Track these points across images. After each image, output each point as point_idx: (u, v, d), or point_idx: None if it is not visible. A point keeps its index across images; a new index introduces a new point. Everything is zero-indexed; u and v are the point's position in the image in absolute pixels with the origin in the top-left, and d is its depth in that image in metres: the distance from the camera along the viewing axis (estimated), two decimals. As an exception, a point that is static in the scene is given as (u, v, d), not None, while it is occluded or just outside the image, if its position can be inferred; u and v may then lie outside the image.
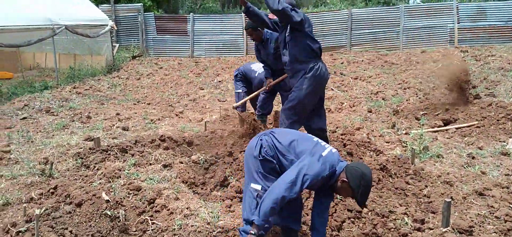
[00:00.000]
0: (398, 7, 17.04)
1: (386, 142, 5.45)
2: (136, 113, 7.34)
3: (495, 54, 11.64)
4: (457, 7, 16.52)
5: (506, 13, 16.14)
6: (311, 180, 2.63)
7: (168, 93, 9.20)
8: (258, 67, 6.43)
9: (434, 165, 4.67)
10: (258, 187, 2.89)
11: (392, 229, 3.40)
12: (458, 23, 16.37)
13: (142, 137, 5.47)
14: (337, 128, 6.22)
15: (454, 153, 4.96)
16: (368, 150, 5.17)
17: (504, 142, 5.28)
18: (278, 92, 5.86)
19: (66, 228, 3.38)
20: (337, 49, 16.58)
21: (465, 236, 3.17)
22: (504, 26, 16.16)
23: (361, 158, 4.91)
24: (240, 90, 6.48)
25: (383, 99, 8.01)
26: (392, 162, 4.64)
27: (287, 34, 4.38)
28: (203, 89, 9.59)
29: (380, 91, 8.56)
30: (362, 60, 13.55)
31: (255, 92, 5.84)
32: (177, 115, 7.41)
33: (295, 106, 4.35)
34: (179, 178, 4.41)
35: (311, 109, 4.47)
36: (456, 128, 5.98)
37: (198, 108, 7.95)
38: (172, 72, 11.92)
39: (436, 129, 6.02)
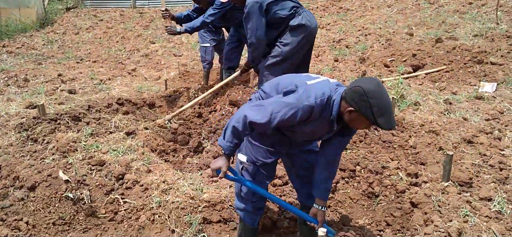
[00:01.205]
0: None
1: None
2: (81, 73, 6.50)
3: (447, -3, 11.77)
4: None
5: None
6: (285, 107, 2.11)
7: (115, 49, 8.31)
8: None
9: (414, 113, 4.53)
10: (244, 158, 2.46)
11: (389, 186, 3.21)
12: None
13: (95, 101, 4.80)
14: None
15: (431, 100, 4.86)
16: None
17: (475, 85, 5.27)
18: (245, 43, 5.35)
19: (21, 219, 2.82)
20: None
21: (466, 188, 3.04)
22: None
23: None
24: (208, 44, 5.77)
25: (346, 47, 7.79)
26: (372, 113, 4.42)
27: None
28: (154, 43, 8.78)
29: (342, 39, 8.32)
30: (317, 7, 13.20)
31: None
32: (129, 73, 6.69)
33: (279, 62, 3.93)
34: (147, 146, 3.91)
35: (298, 64, 4.08)
36: (426, 74, 5.91)
37: (152, 64, 7.24)
38: (115, 25, 10.82)
39: (406, 75, 5.91)
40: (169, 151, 3.99)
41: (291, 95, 2.16)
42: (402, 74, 5.99)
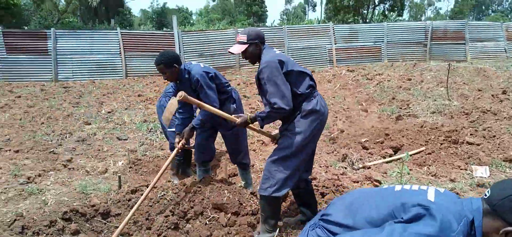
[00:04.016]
0: (281, 28, 17.26)
1: (355, 182, 4.65)
2: (0, 168, 5.07)
3: (382, 73, 12.30)
4: (333, 29, 17.50)
5: (374, 35, 17.76)
6: None
7: (41, 132, 6.87)
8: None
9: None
10: None
11: None
12: (335, 44, 17.34)
13: (29, 216, 3.52)
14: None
15: (433, 189, 4.40)
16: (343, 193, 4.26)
17: (465, 169, 5.01)
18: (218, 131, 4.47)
19: None
20: (226, 69, 15.80)
21: None
22: (372, 46, 17.75)
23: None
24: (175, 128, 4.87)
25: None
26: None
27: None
28: (89, 124, 7.51)
29: (302, 117, 7.89)
30: (251, 82, 13.00)
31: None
32: (65, 166, 5.38)
33: (290, 156, 3.14)
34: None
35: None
36: (410, 156, 5.57)
37: (93, 152, 6.00)
38: (38, 102, 9.29)
39: (388, 159, 5.52)
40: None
41: (427, 225, 1.53)
42: (383, 157, 5.60)
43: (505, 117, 6.59)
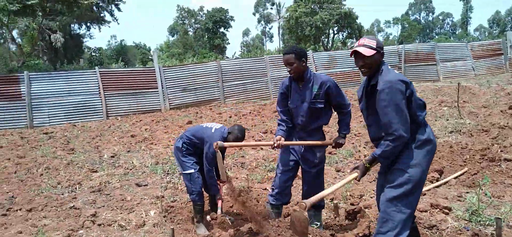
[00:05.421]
0: (263, 58, 17.24)
1: (422, 211, 4.41)
2: (21, 233, 4.37)
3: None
4: (313, 57, 17.73)
5: (351, 60, 18.09)
6: None
7: (46, 185, 6.12)
8: (212, 124, 4.51)
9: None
10: None
11: None
12: (315, 71, 17.51)
13: None
14: (337, 200, 4.90)
15: None
16: (419, 225, 4.00)
17: (520, 187, 4.94)
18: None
19: None
20: (211, 102, 15.42)
21: None
22: (351, 71, 18.10)
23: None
24: (192, 170, 4.38)
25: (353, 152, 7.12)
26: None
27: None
28: (96, 171, 6.83)
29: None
30: (250, 112, 12.72)
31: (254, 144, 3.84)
32: (93, 222, 4.73)
33: (409, 192, 2.83)
34: None
35: None
36: (455, 178, 5.45)
37: (116, 203, 5.37)
38: (26, 151, 8.43)
39: (436, 183, 5.36)
40: None
41: None
42: (431, 181, 5.44)
43: (526, 132, 6.72)
